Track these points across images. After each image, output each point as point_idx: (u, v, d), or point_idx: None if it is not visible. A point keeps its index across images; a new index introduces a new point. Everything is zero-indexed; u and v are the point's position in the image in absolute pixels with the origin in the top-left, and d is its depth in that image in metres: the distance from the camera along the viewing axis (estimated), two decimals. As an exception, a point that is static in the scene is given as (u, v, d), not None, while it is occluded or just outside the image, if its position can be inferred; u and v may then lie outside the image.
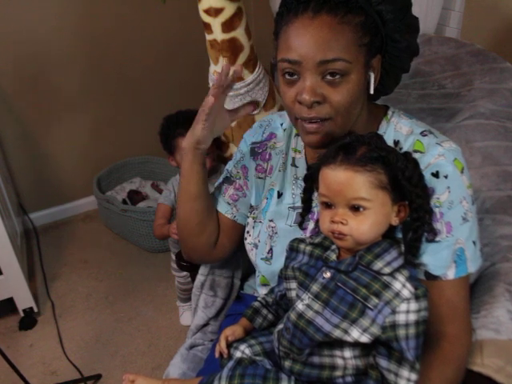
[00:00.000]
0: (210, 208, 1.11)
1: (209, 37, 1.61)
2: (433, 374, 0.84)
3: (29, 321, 2.06)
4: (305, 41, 0.82)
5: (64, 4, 2.35)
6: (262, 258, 1.06)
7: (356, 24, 0.81)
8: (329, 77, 0.82)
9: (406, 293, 0.74)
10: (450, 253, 0.86)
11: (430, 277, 0.87)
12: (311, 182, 0.90)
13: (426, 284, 0.85)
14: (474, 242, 0.88)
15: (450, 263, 0.86)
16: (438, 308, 0.86)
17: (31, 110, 2.48)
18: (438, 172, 0.86)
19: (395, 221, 0.80)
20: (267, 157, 1.08)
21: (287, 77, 0.86)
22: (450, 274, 0.86)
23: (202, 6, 1.55)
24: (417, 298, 0.74)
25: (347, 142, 0.80)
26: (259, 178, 1.10)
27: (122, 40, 2.55)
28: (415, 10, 1.48)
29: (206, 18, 1.56)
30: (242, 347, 0.89)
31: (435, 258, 0.87)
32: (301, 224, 1.00)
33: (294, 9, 0.83)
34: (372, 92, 0.87)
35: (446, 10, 1.50)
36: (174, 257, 1.89)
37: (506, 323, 0.93)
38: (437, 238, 0.86)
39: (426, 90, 1.33)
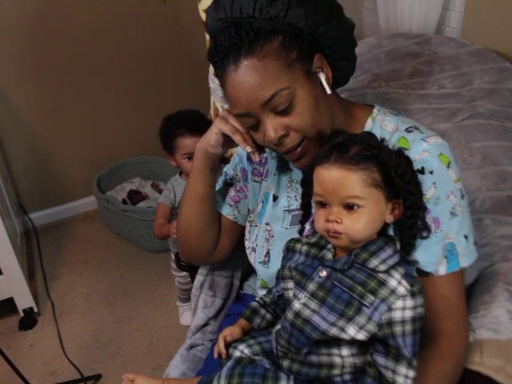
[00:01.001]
0: (215, 212, 1.10)
1: (209, 36, 1.61)
2: (431, 371, 0.84)
3: (29, 321, 2.06)
4: (240, 92, 0.84)
5: None
6: (259, 262, 1.06)
7: (276, 49, 0.82)
8: (280, 109, 0.84)
9: (401, 290, 0.74)
10: (439, 248, 0.86)
11: (422, 273, 0.87)
12: (308, 185, 0.90)
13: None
14: (465, 236, 0.88)
15: (440, 259, 0.86)
16: (432, 304, 0.85)
17: (31, 111, 2.49)
18: (423, 168, 0.86)
19: (389, 218, 0.80)
20: (263, 161, 1.08)
21: (249, 126, 0.89)
22: (442, 270, 0.87)
23: (202, 6, 1.55)
24: (413, 294, 0.74)
25: (340, 142, 0.81)
26: (255, 181, 1.10)
27: (122, 40, 2.55)
28: (415, 11, 1.48)
29: (205, 18, 1.56)
30: (241, 347, 0.89)
31: (425, 254, 0.87)
32: (301, 232, 0.99)
33: (221, 68, 0.86)
34: (329, 91, 0.87)
35: (446, 9, 1.50)
36: (173, 257, 1.89)
37: (506, 323, 0.93)
38: (425, 235, 0.86)
39: (426, 89, 1.33)
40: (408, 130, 0.91)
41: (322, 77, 0.86)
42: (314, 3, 0.83)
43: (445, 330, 0.86)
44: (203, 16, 1.57)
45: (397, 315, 0.73)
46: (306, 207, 0.95)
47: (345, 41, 0.89)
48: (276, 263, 1.00)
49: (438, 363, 0.84)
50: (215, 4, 0.86)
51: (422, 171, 0.86)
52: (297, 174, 1.01)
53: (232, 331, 0.93)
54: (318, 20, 0.83)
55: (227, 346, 0.92)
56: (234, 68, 0.83)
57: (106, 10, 2.45)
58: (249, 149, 0.93)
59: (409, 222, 0.82)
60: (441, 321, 0.86)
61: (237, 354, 0.89)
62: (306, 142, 0.88)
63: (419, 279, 0.86)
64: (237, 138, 0.93)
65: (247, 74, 0.82)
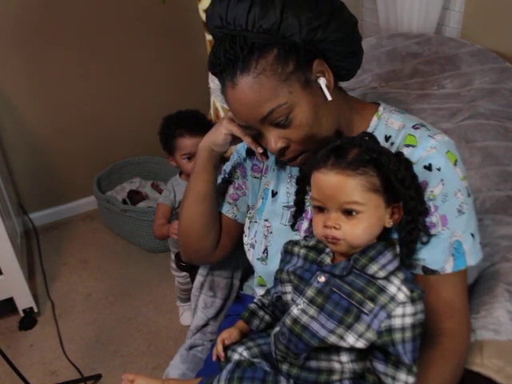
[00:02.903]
0: (216, 211, 1.10)
1: (209, 37, 1.61)
2: (432, 370, 0.83)
3: (29, 321, 2.06)
4: (239, 108, 0.85)
5: None
6: (258, 259, 1.06)
7: (271, 64, 0.81)
8: (279, 123, 0.85)
9: (401, 296, 0.73)
10: (446, 246, 0.86)
11: (428, 271, 0.86)
12: (303, 183, 0.90)
13: (423, 279, 0.85)
14: (472, 235, 0.88)
15: (447, 257, 0.86)
16: (436, 303, 0.85)
17: (31, 111, 2.49)
18: (430, 165, 0.86)
19: (389, 223, 0.80)
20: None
21: (252, 134, 0.92)
22: (448, 268, 0.86)
23: (202, 6, 1.55)
24: (412, 301, 0.73)
25: (338, 145, 0.79)
26: (255, 177, 1.10)
27: (122, 40, 2.55)
28: (415, 11, 1.48)
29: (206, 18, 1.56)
30: (240, 350, 0.89)
31: (432, 252, 0.86)
32: (293, 225, 1.00)
33: (221, 80, 0.87)
34: (329, 98, 0.85)
35: (446, 10, 1.50)
36: (173, 257, 1.89)
37: (506, 324, 0.93)
38: (432, 232, 0.86)
39: (426, 90, 1.33)
40: (415, 127, 0.90)
41: (323, 83, 0.85)
42: (310, 10, 0.81)
43: (447, 329, 0.86)
44: (203, 16, 1.57)
45: (396, 322, 0.72)
46: (299, 204, 0.96)
47: (347, 40, 0.86)
48: (274, 260, 1.00)
49: (439, 363, 0.84)
50: (212, 8, 0.85)
51: (429, 168, 0.86)
52: (297, 169, 1.01)
53: (230, 334, 0.92)
54: (315, 27, 0.81)
55: (226, 348, 0.91)
56: (231, 85, 0.84)
57: (106, 10, 2.45)
58: (260, 150, 0.95)
59: (409, 226, 0.82)
60: (443, 320, 0.86)
61: (236, 356, 0.88)
62: (305, 155, 0.90)
63: (424, 277, 0.86)
64: (247, 140, 0.95)
65: (243, 91, 0.82)
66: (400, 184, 0.78)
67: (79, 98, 2.55)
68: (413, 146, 0.88)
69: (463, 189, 0.87)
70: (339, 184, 0.75)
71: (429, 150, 0.86)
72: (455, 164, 0.87)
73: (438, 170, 0.86)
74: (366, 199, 0.76)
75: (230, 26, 0.82)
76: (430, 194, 0.86)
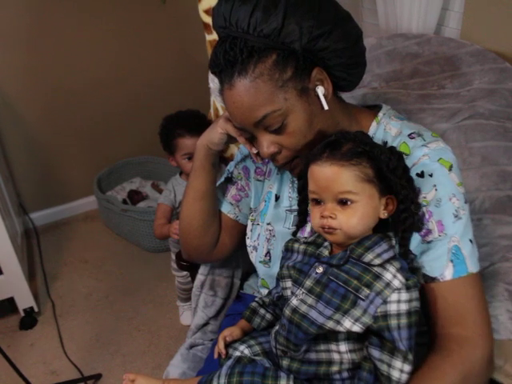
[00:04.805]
0: (215, 209, 1.11)
1: (209, 37, 1.61)
2: (435, 374, 0.80)
3: (29, 320, 2.07)
4: (234, 110, 0.86)
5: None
6: (260, 261, 1.06)
7: (269, 69, 0.81)
8: (272, 129, 0.85)
9: (396, 283, 0.75)
10: (444, 252, 0.84)
11: (428, 279, 0.85)
12: (304, 182, 0.91)
13: (426, 287, 0.84)
14: (470, 241, 0.86)
15: (446, 263, 0.84)
16: (442, 310, 0.83)
17: (32, 110, 2.49)
18: (422, 172, 0.87)
19: (384, 214, 0.81)
20: (266, 160, 1.08)
21: (246, 137, 0.92)
22: (448, 275, 0.84)
23: (202, 7, 1.55)
24: (407, 288, 0.75)
25: (333, 140, 0.82)
26: (258, 180, 1.10)
27: (122, 40, 2.55)
28: (414, 11, 1.48)
29: (205, 19, 1.56)
30: (242, 347, 0.90)
31: (430, 258, 0.85)
32: (295, 233, 0.99)
33: (219, 80, 0.87)
34: (326, 107, 0.85)
35: (445, 10, 1.50)
36: (173, 257, 1.89)
37: (505, 323, 0.93)
38: (429, 238, 0.85)
39: (426, 90, 1.33)
40: (411, 136, 0.90)
41: (320, 92, 0.85)
42: (312, 18, 0.80)
43: (456, 335, 0.82)
44: (203, 16, 1.57)
45: (392, 308, 0.74)
46: (302, 203, 0.96)
47: (349, 51, 0.85)
48: (277, 263, 1.00)
49: (445, 368, 0.80)
50: (218, 7, 0.85)
51: (421, 175, 0.87)
52: None
53: (232, 331, 0.93)
54: (316, 36, 0.81)
55: (227, 346, 0.92)
56: (228, 86, 0.84)
57: (106, 10, 2.45)
58: (254, 150, 0.95)
59: (402, 215, 0.83)
60: (451, 326, 0.83)
61: (237, 354, 0.89)
62: (297, 160, 0.91)
63: (426, 286, 0.85)
64: (242, 140, 0.95)
65: (240, 94, 0.83)
66: (391, 173, 0.80)
67: (79, 98, 2.55)
68: (405, 155, 0.88)
69: (459, 194, 0.86)
70: (334, 175, 0.78)
71: (420, 158, 0.87)
72: (450, 169, 0.87)
73: (430, 176, 0.86)
74: (360, 189, 0.78)
75: (232, 28, 0.83)
76: (423, 200, 0.86)
